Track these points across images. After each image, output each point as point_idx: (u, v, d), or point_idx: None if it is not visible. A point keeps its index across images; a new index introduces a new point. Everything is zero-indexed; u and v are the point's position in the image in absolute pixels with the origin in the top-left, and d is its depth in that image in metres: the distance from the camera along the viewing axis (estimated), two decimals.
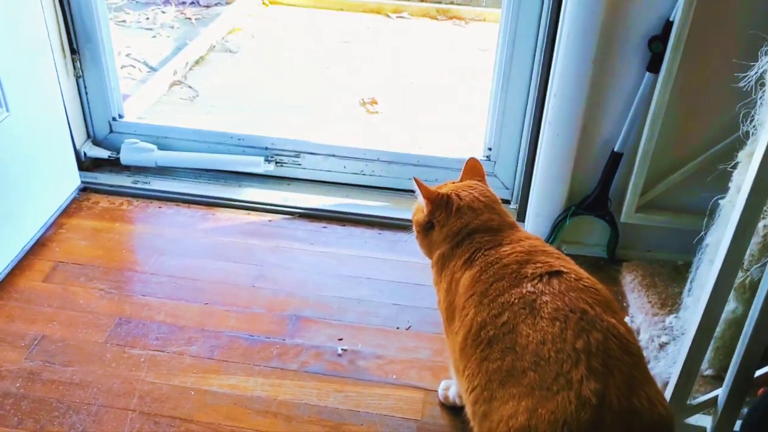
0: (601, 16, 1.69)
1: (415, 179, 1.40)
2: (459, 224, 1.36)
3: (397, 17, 3.88)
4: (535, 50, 1.98)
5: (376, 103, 2.87)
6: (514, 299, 1.17)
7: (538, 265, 1.22)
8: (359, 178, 2.28)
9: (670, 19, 1.66)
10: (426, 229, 1.42)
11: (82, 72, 2.20)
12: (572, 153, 1.88)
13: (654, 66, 1.72)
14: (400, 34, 3.68)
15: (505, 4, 1.97)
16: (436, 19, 3.88)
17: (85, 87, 2.24)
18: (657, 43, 1.70)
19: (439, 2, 4.22)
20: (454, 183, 1.47)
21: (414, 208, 1.47)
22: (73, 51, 2.16)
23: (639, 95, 1.77)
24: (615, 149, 1.85)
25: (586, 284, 1.19)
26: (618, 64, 1.76)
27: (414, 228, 1.47)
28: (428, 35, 3.68)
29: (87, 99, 2.26)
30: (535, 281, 1.19)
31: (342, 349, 1.69)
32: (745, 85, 1.41)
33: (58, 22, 2.09)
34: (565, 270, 1.21)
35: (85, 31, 2.15)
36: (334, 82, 3.07)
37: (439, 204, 1.38)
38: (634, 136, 1.82)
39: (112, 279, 1.88)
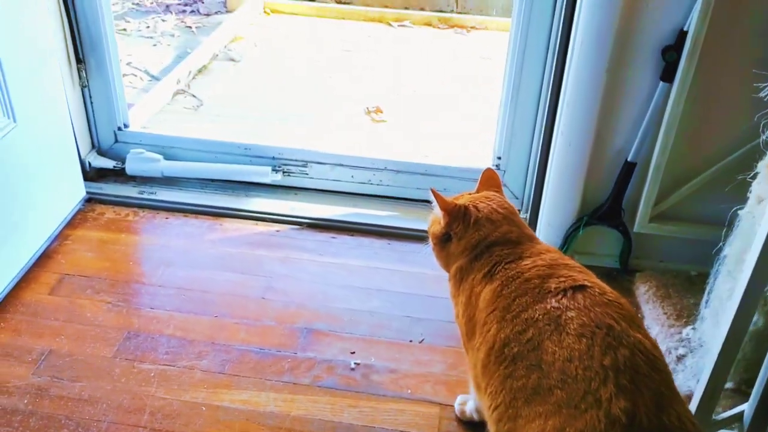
0: (615, 25, 1.67)
1: (432, 190, 1.38)
2: (477, 236, 1.34)
3: (398, 26, 3.87)
4: (546, 59, 1.97)
5: (381, 111, 2.86)
6: (539, 315, 1.15)
7: (561, 279, 1.20)
8: (367, 187, 2.26)
9: (684, 29, 1.65)
10: (443, 241, 1.39)
11: (88, 81, 2.18)
12: (585, 163, 1.86)
13: (668, 75, 1.71)
14: (402, 42, 3.67)
15: (516, 12, 1.95)
16: (438, 27, 3.88)
17: (90, 96, 2.21)
18: (671, 53, 1.69)
19: (441, 11, 4.22)
20: (470, 194, 1.45)
21: (430, 220, 1.45)
22: (78, 60, 2.14)
23: (653, 105, 1.75)
24: (628, 159, 1.83)
25: (610, 298, 1.17)
26: (631, 73, 1.75)
27: (430, 240, 1.45)
28: (430, 44, 3.67)
29: (92, 108, 2.23)
30: (559, 296, 1.16)
31: (355, 363, 1.67)
32: (765, 96, 1.40)
33: (64, 31, 2.07)
34: (588, 284, 1.19)
35: (91, 40, 2.12)
36: (337, 91, 3.06)
37: (457, 216, 1.36)
38: (648, 146, 1.81)
39: (120, 291, 1.85)
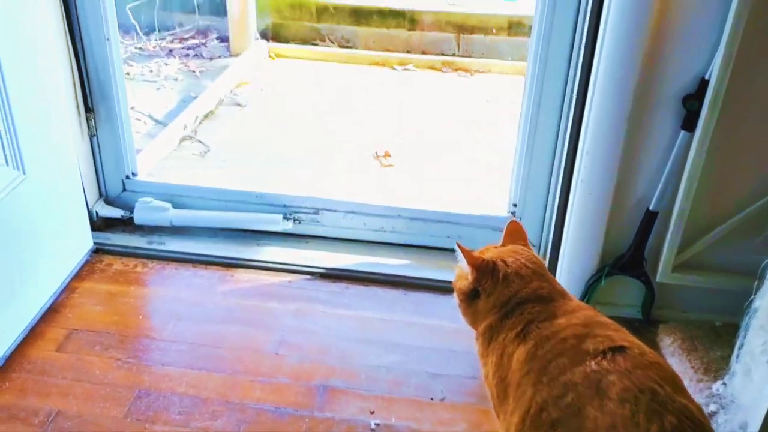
0: (635, 74, 1.66)
1: (458, 245, 1.34)
2: (507, 293, 1.29)
3: (402, 69, 3.88)
4: (563, 105, 1.95)
5: (389, 155, 2.83)
6: (578, 379, 1.10)
7: (599, 339, 1.16)
8: (380, 235, 2.22)
9: (705, 77, 1.64)
10: (470, 297, 1.35)
11: (96, 131, 2.15)
12: (606, 212, 1.83)
13: (689, 124, 1.69)
14: (407, 85, 3.67)
15: (531, 58, 1.94)
16: (441, 70, 3.89)
17: (99, 145, 2.18)
18: (692, 101, 1.67)
19: (443, 54, 4.24)
20: (496, 247, 1.41)
21: (456, 275, 1.41)
22: (87, 109, 2.12)
23: (674, 153, 1.73)
24: (650, 208, 1.80)
25: (650, 360, 1.13)
26: (652, 121, 1.72)
27: (456, 296, 1.40)
28: (434, 87, 3.67)
29: (100, 157, 2.20)
30: (599, 358, 1.12)
31: (375, 424, 1.61)
32: None
33: (74, 80, 2.05)
34: (627, 345, 1.14)
35: (100, 89, 2.10)
36: (344, 135, 3.04)
37: (485, 271, 1.32)
38: (670, 195, 1.78)
39: (129, 347, 1.79)
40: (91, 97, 2.11)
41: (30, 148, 1.76)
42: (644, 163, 1.78)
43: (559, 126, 1.97)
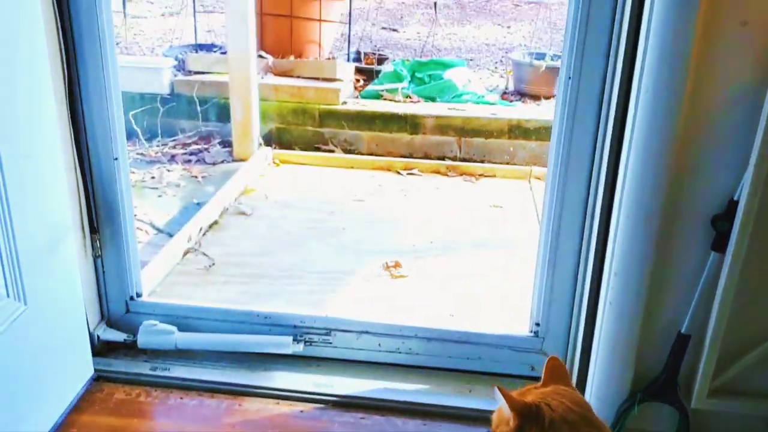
0: (661, 194, 1.62)
1: (499, 388, 1.24)
2: None
3: (407, 174, 3.88)
4: (584, 226, 1.90)
5: (400, 266, 2.77)
6: None
7: None
8: (395, 356, 2.12)
9: (735, 198, 1.59)
10: None
11: (101, 251, 2.08)
12: (636, 335, 1.74)
13: (719, 245, 1.63)
14: (413, 191, 3.65)
15: (549, 185, 1.91)
16: (447, 175, 3.88)
17: (103, 266, 2.11)
18: (722, 222, 1.62)
19: (445, 157, 4.27)
20: (537, 388, 1.31)
21: (495, 419, 1.30)
22: (93, 230, 2.05)
23: (705, 275, 1.66)
24: (682, 331, 1.72)
25: None
26: (680, 242, 1.67)
27: None
28: (440, 192, 3.65)
29: (104, 278, 2.12)
30: None
31: None
32: None
33: (80, 201, 2.00)
34: None
35: (107, 209, 2.05)
36: (352, 244, 2.98)
37: (529, 416, 1.22)
38: (702, 317, 1.70)
39: None
40: (97, 217, 2.06)
41: (33, 277, 1.69)
42: (674, 284, 1.71)
43: (581, 243, 1.92)
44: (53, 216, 1.81)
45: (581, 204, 1.89)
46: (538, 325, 2.03)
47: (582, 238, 1.92)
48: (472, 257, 2.91)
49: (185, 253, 2.83)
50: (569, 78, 1.80)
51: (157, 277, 2.55)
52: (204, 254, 2.84)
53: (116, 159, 2.01)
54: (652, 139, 1.59)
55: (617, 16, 1.71)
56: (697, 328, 1.71)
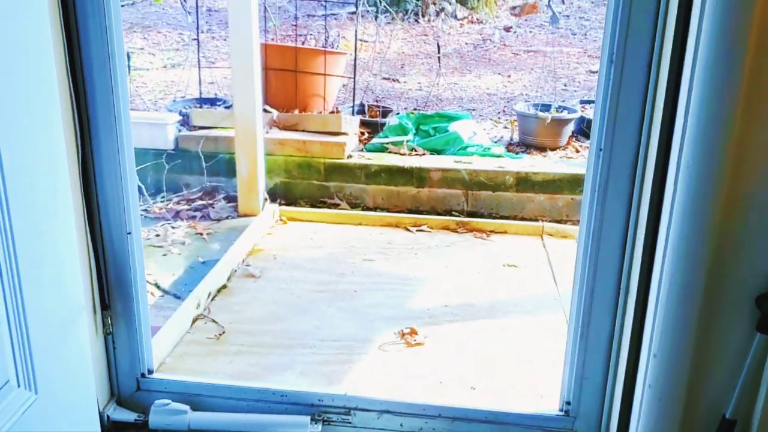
0: (702, 274, 1.55)
1: None
2: None
3: (416, 230, 3.81)
4: (617, 302, 1.83)
5: (416, 333, 2.68)
6: None
7: None
8: None
9: None
10: None
11: (112, 329, 2.00)
12: (678, 419, 1.66)
13: (764, 326, 1.56)
14: (424, 249, 3.58)
15: (580, 262, 1.85)
16: (457, 231, 3.82)
17: (114, 343, 2.03)
18: (766, 303, 1.56)
19: (452, 210, 4.22)
20: None
21: None
22: (104, 306, 1.98)
23: (750, 357, 1.59)
24: (727, 415, 1.64)
25: None
26: (723, 322, 1.60)
27: None
28: (452, 251, 3.58)
29: (114, 355, 2.04)
30: None
31: None
32: None
33: (91, 277, 1.93)
34: None
35: (119, 284, 1.98)
36: (365, 309, 2.90)
37: None
38: (748, 401, 1.62)
39: None
40: (109, 293, 1.98)
41: (44, 363, 1.60)
42: (718, 366, 1.63)
43: (614, 321, 1.85)
44: (66, 296, 1.73)
45: (614, 279, 1.82)
46: (568, 403, 1.95)
47: (616, 315, 1.85)
48: (489, 322, 2.82)
49: (194, 321, 2.74)
50: (600, 150, 1.76)
51: (167, 347, 2.46)
52: (214, 321, 2.75)
53: (129, 233, 1.95)
54: (694, 214, 1.53)
55: (651, 83, 1.67)
56: (742, 412, 1.63)
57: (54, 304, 1.67)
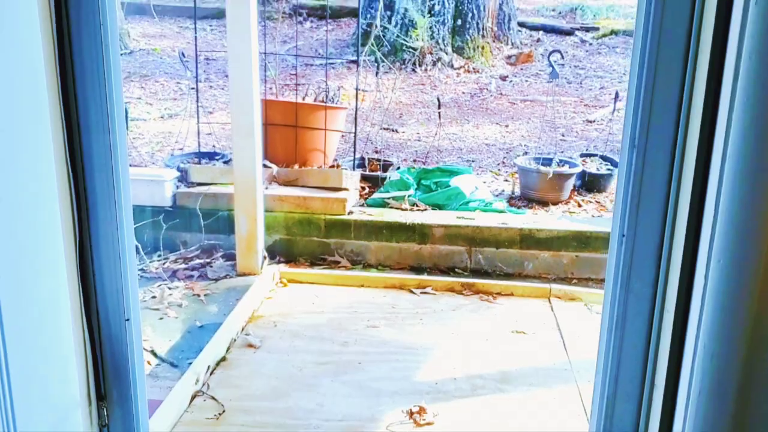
0: (739, 374, 1.47)
1: None
2: None
3: (421, 293, 3.72)
4: (641, 395, 1.74)
5: (425, 412, 2.57)
6: None
7: None
8: None
9: None
10: None
11: (108, 420, 1.89)
12: None
13: None
14: (429, 314, 3.48)
15: (604, 347, 1.76)
16: (462, 293, 3.73)
17: None
18: None
19: (455, 267, 4.14)
20: None
21: None
22: (99, 397, 1.87)
23: None
24: None
25: None
26: (758, 413, 1.51)
27: None
28: (458, 315, 3.48)
29: None
30: None
31: None
32: None
33: (87, 366, 1.82)
34: None
35: (116, 373, 1.87)
36: (370, 383, 2.78)
37: None
38: None
39: None
40: (105, 383, 1.87)
41: None
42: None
43: (638, 415, 1.75)
44: (60, 393, 1.63)
45: (639, 374, 1.73)
46: None
47: (640, 409, 1.75)
48: (500, 397, 2.71)
49: (193, 397, 2.62)
50: (623, 236, 1.68)
51: (165, 429, 2.34)
52: (213, 398, 2.64)
53: (128, 320, 1.85)
54: (727, 314, 1.45)
55: (675, 169, 1.61)
56: None
57: (46, 405, 1.56)
